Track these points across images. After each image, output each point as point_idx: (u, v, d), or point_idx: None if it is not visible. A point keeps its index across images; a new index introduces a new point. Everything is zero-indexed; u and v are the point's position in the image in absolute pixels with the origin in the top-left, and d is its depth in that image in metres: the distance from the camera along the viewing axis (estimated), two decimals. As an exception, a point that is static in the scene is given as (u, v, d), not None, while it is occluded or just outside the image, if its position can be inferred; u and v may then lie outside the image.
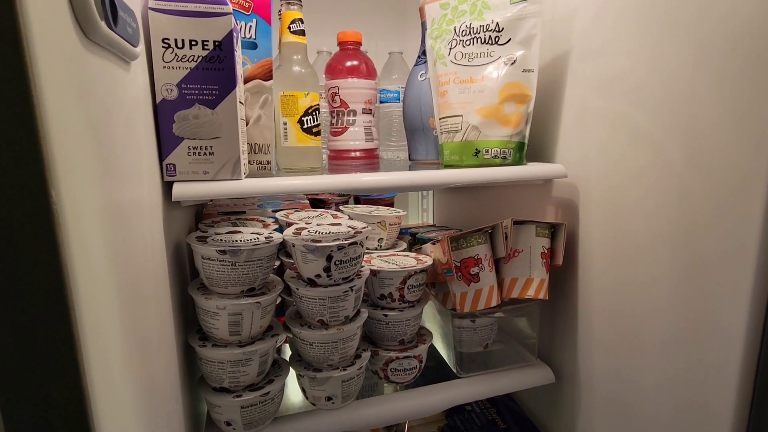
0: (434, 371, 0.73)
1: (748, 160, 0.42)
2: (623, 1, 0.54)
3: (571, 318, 0.67)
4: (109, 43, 0.33)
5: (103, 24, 0.31)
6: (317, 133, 0.68)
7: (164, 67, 0.47)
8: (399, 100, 0.88)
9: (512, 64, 0.62)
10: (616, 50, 0.56)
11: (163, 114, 0.48)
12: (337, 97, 0.77)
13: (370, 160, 0.79)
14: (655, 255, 0.52)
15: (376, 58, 0.82)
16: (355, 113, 0.77)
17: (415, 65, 0.75)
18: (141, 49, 0.41)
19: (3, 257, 0.23)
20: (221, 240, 0.54)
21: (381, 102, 0.89)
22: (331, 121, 0.78)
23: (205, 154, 0.49)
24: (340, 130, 0.78)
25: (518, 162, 0.64)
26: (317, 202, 0.93)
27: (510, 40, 0.63)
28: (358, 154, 0.78)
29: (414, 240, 0.87)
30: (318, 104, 0.67)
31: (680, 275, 0.50)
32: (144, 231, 0.42)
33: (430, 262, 0.66)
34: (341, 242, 0.54)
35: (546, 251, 0.65)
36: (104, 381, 0.29)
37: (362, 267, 0.62)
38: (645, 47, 0.52)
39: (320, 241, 0.55)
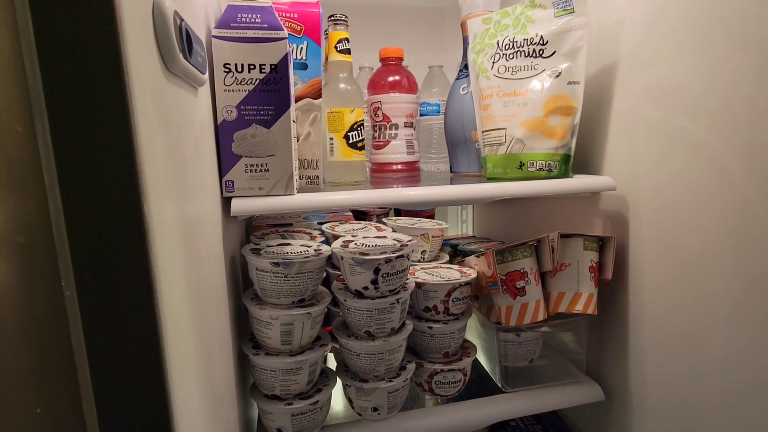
0: (478, 384, 0.72)
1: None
2: (677, 11, 0.53)
3: (622, 334, 0.65)
4: (185, 72, 0.36)
5: (180, 56, 0.33)
6: (362, 148, 0.70)
7: (225, 90, 0.50)
8: (439, 112, 0.89)
9: (557, 76, 0.62)
10: (669, 61, 0.54)
11: (223, 134, 0.51)
12: (379, 112, 0.79)
13: (412, 172, 0.80)
14: (712, 270, 0.50)
15: (416, 70, 0.83)
16: (397, 127, 0.78)
17: (457, 79, 0.76)
18: (207, 75, 0.45)
19: (104, 267, 0.26)
20: (273, 252, 0.56)
21: (421, 115, 0.90)
22: (373, 135, 0.80)
23: (260, 171, 0.52)
24: (382, 143, 0.79)
25: (564, 174, 0.63)
26: (359, 213, 0.95)
27: (555, 52, 0.63)
28: (399, 167, 0.79)
29: (455, 252, 0.87)
30: (362, 120, 0.69)
31: (741, 290, 0.47)
32: (207, 243, 0.44)
33: (474, 274, 0.66)
34: (388, 255, 0.56)
35: (594, 265, 0.63)
36: (181, 387, 0.31)
37: (407, 279, 0.63)
38: (701, 57, 0.50)
39: (368, 254, 0.56)
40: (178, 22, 0.34)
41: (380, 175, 0.80)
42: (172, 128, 0.34)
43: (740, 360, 0.48)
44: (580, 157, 0.69)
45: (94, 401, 0.26)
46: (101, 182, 0.25)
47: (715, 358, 0.51)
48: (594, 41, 0.65)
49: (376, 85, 0.79)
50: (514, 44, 0.65)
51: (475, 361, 0.74)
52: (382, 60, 0.80)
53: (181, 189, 0.35)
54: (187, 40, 0.36)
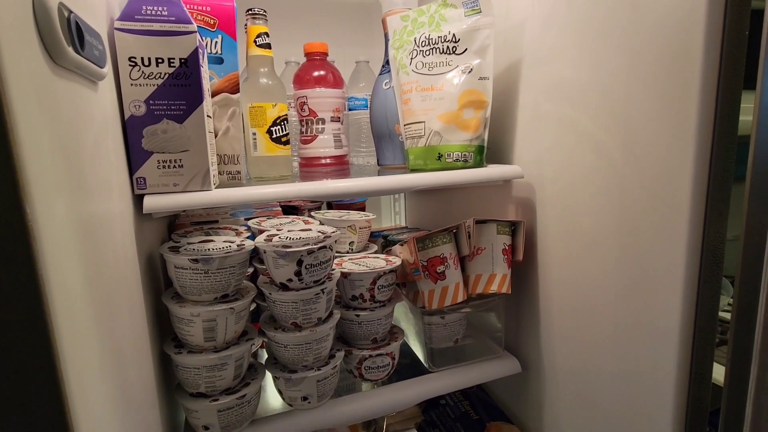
0: (409, 368, 0.76)
1: (675, 156, 0.46)
2: (564, 14, 0.59)
3: (534, 311, 0.71)
4: (77, 66, 0.35)
5: (70, 49, 0.32)
6: (286, 143, 0.70)
7: (132, 84, 0.48)
8: (367, 107, 0.91)
9: (469, 72, 0.66)
10: (561, 58, 0.60)
11: (132, 129, 0.49)
12: (305, 107, 0.79)
13: (340, 166, 0.81)
14: (604, 249, 0.56)
15: (343, 66, 0.85)
16: (323, 121, 0.79)
17: (380, 74, 0.79)
18: (108, 69, 0.43)
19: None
20: (194, 249, 0.55)
21: (350, 110, 0.91)
22: (300, 130, 0.81)
23: (174, 166, 0.51)
24: (309, 138, 0.80)
25: (479, 164, 0.68)
26: (290, 209, 0.95)
27: (466, 50, 0.67)
28: (328, 161, 0.80)
29: (386, 242, 0.90)
30: (286, 114, 0.70)
31: (625, 268, 0.54)
32: (116, 243, 0.43)
33: (398, 262, 0.69)
34: (311, 247, 0.57)
35: (507, 248, 0.69)
36: (81, 392, 0.30)
37: (333, 270, 0.65)
38: (585, 56, 0.56)
39: (290, 247, 0.57)
40: (66, 13, 0.33)
41: (309, 169, 0.80)
42: (62, 124, 0.33)
43: (626, 329, 0.55)
44: (493, 148, 0.75)
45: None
46: (-26, 180, 0.24)
47: (606, 329, 0.57)
48: (501, 40, 0.70)
49: (301, 80, 0.79)
50: (430, 41, 0.68)
51: (407, 346, 0.78)
52: (306, 55, 0.80)
53: (77, 187, 0.34)
54: (78, 32, 0.34)
